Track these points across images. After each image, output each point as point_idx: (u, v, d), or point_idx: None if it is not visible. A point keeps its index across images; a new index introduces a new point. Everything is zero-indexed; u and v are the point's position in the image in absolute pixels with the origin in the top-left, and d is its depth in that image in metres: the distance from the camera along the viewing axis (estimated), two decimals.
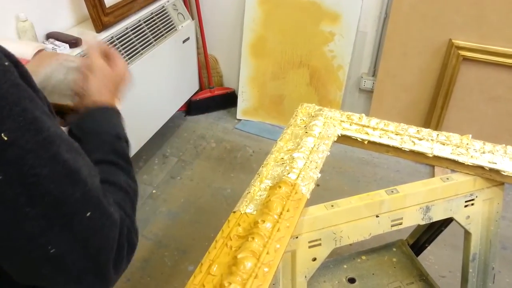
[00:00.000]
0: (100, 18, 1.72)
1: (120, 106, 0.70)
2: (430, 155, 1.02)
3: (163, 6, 2.12)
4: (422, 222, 1.02)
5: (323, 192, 1.98)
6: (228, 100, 2.67)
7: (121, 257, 0.50)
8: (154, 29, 2.05)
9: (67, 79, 0.72)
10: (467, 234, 1.10)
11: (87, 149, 0.52)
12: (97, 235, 0.46)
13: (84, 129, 0.61)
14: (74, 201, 0.43)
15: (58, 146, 0.42)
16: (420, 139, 1.05)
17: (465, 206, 1.05)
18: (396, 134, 1.07)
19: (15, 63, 0.43)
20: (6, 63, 0.41)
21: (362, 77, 2.33)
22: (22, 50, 0.88)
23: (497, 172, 0.99)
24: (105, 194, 0.49)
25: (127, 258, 0.52)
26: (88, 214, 0.44)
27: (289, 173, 0.89)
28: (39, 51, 0.81)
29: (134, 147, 1.96)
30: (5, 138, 0.38)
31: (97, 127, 0.62)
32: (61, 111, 0.69)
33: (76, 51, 1.60)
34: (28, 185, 0.39)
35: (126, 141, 0.64)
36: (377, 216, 0.96)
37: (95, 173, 0.48)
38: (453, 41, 1.91)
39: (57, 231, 0.42)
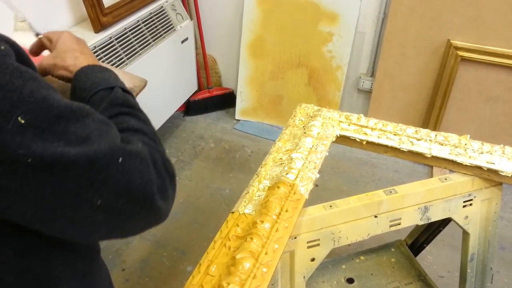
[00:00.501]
0: (99, 18, 1.72)
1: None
2: (428, 156, 1.02)
3: (161, 6, 2.12)
4: (421, 222, 1.03)
5: (322, 192, 1.98)
6: (226, 100, 2.67)
7: (165, 187, 0.53)
8: (152, 29, 2.04)
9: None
10: (465, 234, 1.10)
11: None
12: (134, 175, 0.48)
13: (77, 96, 0.62)
14: (102, 157, 0.45)
15: (67, 119, 0.44)
16: (419, 140, 1.05)
17: (464, 206, 1.05)
18: (395, 135, 1.07)
19: (12, 44, 0.44)
20: (3, 47, 0.42)
21: (360, 78, 2.33)
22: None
23: (495, 172, 0.99)
24: (127, 139, 0.51)
25: (172, 187, 0.56)
26: (120, 160, 0.46)
27: (287, 173, 0.89)
28: None
29: None
30: (22, 121, 0.40)
31: (86, 88, 0.62)
32: None
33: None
34: (56, 158, 0.41)
35: (123, 89, 0.63)
36: (375, 217, 0.96)
37: (108, 128, 0.49)
38: (451, 41, 1.91)
39: (98, 185, 0.45)
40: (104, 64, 0.69)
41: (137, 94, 0.83)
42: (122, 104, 0.60)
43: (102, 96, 0.61)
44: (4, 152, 0.39)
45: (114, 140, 0.47)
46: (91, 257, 0.62)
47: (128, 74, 0.86)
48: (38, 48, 0.73)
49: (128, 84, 0.77)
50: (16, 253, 0.48)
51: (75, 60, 0.66)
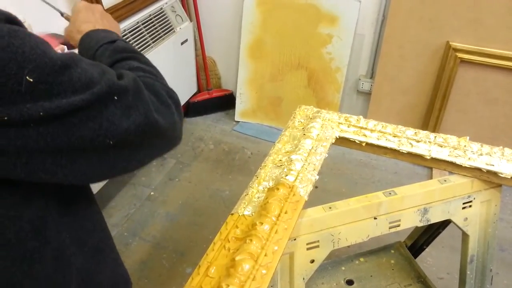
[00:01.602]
0: None
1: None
2: (428, 157, 1.02)
3: (161, 8, 2.12)
4: (420, 224, 1.03)
5: (321, 194, 1.98)
6: (226, 102, 2.67)
7: (170, 112, 0.57)
8: (152, 31, 2.05)
9: None
10: (465, 236, 1.10)
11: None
12: (133, 109, 0.50)
13: (81, 54, 0.68)
14: (101, 98, 0.47)
15: (70, 66, 0.45)
16: (418, 141, 1.05)
17: (463, 208, 1.05)
18: (394, 136, 1.07)
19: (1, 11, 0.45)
20: None
21: (360, 79, 2.34)
22: None
23: (494, 174, 0.99)
24: (121, 75, 0.53)
25: (178, 114, 0.59)
26: (115, 97, 0.48)
27: (287, 175, 0.89)
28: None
29: None
30: (31, 80, 0.41)
31: (91, 46, 0.68)
32: None
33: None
34: (64, 108, 0.43)
35: (123, 41, 0.69)
36: (375, 218, 0.96)
37: (101, 67, 0.50)
38: (450, 43, 1.92)
39: (107, 126, 0.47)
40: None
41: None
42: (122, 51, 0.65)
43: (105, 48, 0.66)
44: (18, 112, 0.40)
45: (110, 79, 0.49)
46: (100, 237, 0.64)
47: None
48: None
49: None
50: (32, 227, 0.50)
51: (86, 26, 0.73)
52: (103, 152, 0.48)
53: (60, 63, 0.44)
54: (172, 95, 0.59)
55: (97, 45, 0.66)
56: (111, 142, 0.48)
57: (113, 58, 0.63)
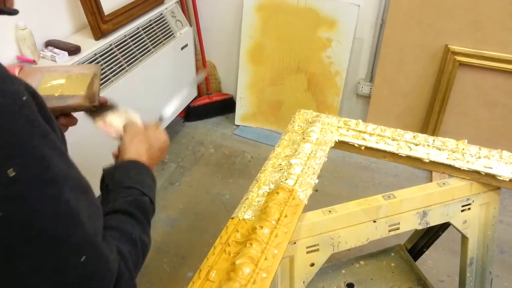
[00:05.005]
0: (99, 25, 1.73)
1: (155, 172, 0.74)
2: (427, 161, 1.03)
3: (161, 14, 2.13)
4: (419, 227, 1.03)
5: (321, 197, 1.98)
6: (226, 106, 2.68)
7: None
8: (152, 36, 2.06)
9: (53, 85, 0.76)
10: (464, 238, 1.11)
11: (112, 196, 0.57)
12: (90, 282, 0.44)
13: (114, 177, 0.63)
14: (69, 243, 0.42)
15: (61, 186, 0.42)
16: (417, 145, 1.06)
17: (462, 210, 1.06)
18: (393, 140, 1.07)
19: (33, 94, 0.43)
20: (24, 98, 0.41)
21: (359, 83, 2.35)
22: None
23: (493, 176, 1.00)
24: (107, 240, 0.48)
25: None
26: (83, 258, 0.43)
27: (286, 179, 0.90)
28: (20, 68, 0.85)
29: None
30: (12, 174, 0.38)
31: (127, 179, 0.63)
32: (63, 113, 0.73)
33: (75, 58, 1.61)
34: (26, 222, 0.39)
35: (151, 201, 0.65)
36: (374, 221, 0.97)
37: (98, 216, 0.47)
38: (449, 46, 1.93)
39: (49, 274, 0.41)
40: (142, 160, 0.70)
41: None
42: (141, 209, 0.60)
43: (121, 192, 0.61)
44: None
45: (96, 231, 0.45)
46: None
47: (82, 65, 0.90)
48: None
49: (88, 71, 0.83)
50: None
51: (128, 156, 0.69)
52: None
53: (51, 174, 0.41)
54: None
55: (117, 186, 0.62)
56: None
57: (127, 207, 0.59)
